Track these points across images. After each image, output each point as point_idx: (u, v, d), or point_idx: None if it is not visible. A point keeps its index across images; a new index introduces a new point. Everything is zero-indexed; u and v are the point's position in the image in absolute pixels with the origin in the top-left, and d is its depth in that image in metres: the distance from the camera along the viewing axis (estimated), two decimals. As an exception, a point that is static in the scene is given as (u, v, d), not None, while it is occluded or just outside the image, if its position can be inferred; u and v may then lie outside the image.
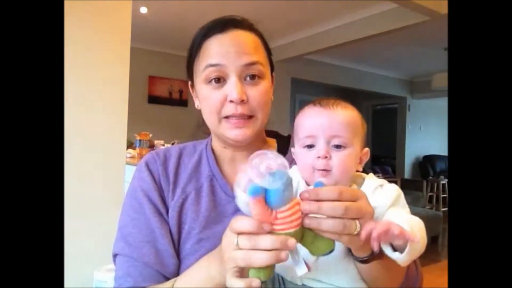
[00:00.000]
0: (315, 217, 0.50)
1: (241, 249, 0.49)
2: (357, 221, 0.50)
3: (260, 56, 0.72)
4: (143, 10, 4.13)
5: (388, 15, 3.97)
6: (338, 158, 0.59)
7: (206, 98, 0.71)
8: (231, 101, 0.68)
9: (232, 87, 0.68)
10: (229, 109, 0.69)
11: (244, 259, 0.49)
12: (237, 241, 0.50)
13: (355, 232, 0.50)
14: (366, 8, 4.08)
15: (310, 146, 0.60)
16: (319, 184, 0.52)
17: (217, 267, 0.58)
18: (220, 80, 0.69)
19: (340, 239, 0.51)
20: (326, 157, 0.58)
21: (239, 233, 0.50)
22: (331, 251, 0.53)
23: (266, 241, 0.48)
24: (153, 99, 5.56)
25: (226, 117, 0.70)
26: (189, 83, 0.79)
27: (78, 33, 1.80)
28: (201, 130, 0.82)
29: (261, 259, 0.48)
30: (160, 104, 5.59)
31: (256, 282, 0.49)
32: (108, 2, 1.91)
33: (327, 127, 0.59)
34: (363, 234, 0.49)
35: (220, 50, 0.69)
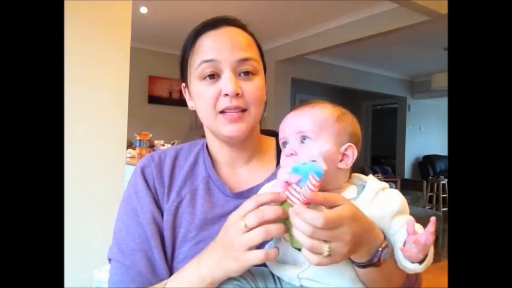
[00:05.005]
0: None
1: (250, 229, 0.53)
2: (326, 245, 0.50)
3: (253, 53, 0.72)
4: (143, 10, 4.14)
5: (388, 15, 3.97)
6: (303, 150, 0.62)
7: (201, 94, 0.70)
8: (226, 95, 0.68)
9: (226, 81, 0.68)
10: (224, 102, 0.69)
11: (261, 232, 0.53)
12: (245, 223, 0.54)
13: (324, 254, 0.50)
14: (366, 8, 4.08)
15: (285, 145, 0.66)
16: (295, 169, 0.56)
17: (208, 267, 0.59)
18: (214, 76, 0.69)
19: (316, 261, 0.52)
20: (292, 154, 0.62)
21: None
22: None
23: (269, 211, 0.53)
24: (153, 99, 5.56)
25: (222, 112, 0.70)
26: (183, 85, 0.79)
27: (78, 33, 1.80)
28: (197, 133, 0.82)
29: (275, 229, 0.53)
30: (160, 104, 5.59)
31: (274, 251, 0.54)
32: (108, 2, 1.91)
33: (293, 126, 0.65)
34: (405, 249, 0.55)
35: (213, 46, 0.69)
